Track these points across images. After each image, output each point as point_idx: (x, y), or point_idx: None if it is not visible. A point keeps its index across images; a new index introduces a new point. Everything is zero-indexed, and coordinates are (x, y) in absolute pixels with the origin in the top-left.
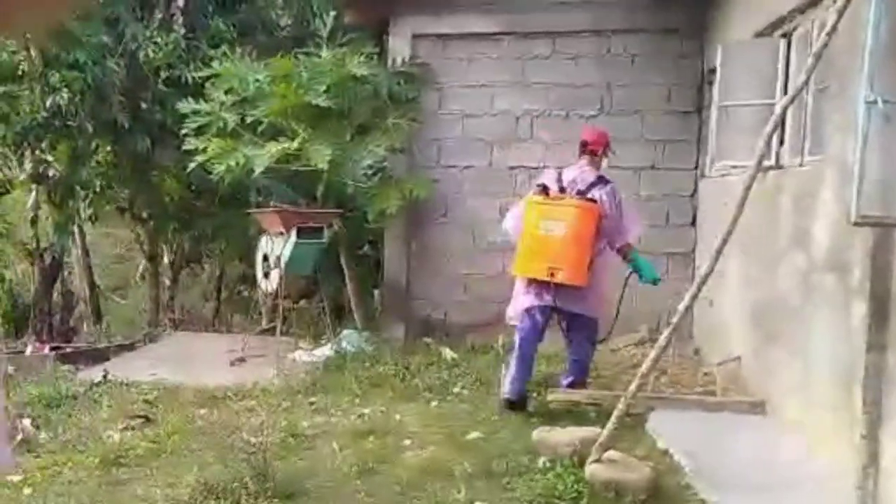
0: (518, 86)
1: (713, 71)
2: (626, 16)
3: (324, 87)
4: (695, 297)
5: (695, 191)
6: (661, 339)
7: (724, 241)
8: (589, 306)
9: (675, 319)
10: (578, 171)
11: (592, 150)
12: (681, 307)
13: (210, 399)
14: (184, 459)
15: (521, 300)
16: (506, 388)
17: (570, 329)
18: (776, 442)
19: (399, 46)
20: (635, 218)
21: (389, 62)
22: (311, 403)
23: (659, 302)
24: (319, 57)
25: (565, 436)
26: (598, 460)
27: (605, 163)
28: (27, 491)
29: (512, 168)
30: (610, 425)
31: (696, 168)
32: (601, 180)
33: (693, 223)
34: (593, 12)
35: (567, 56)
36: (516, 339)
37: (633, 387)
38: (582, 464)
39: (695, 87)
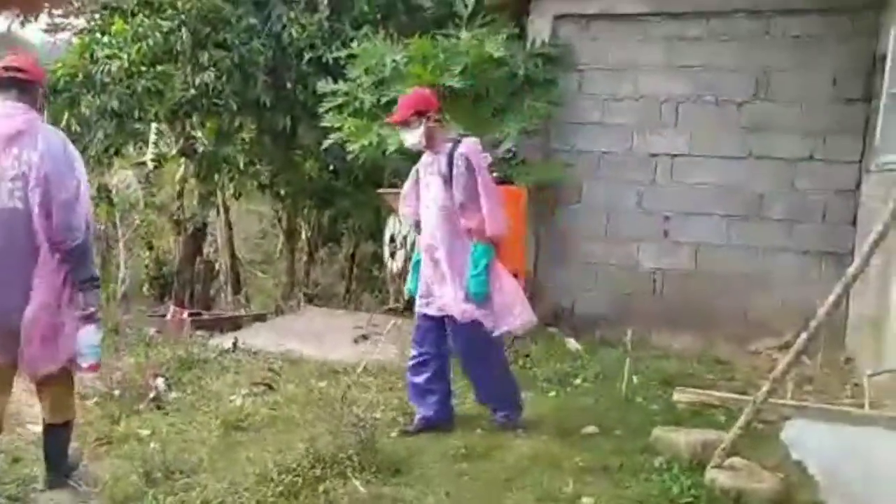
0: (664, 69)
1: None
2: None
3: (460, 69)
4: (839, 300)
5: (858, 186)
6: (799, 343)
7: (876, 243)
8: None
9: (814, 323)
10: None
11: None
12: (822, 311)
13: (330, 372)
14: (297, 428)
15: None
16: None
17: None
18: None
19: (540, 27)
20: None
21: (528, 43)
22: None
23: (808, 305)
24: (458, 38)
25: (687, 437)
26: (719, 466)
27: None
28: (153, 445)
29: (653, 155)
30: (735, 429)
31: (860, 161)
32: None
33: (854, 222)
34: None
35: (720, 38)
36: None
37: (763, 391)
38: (703, 468)
39: (864, 73)
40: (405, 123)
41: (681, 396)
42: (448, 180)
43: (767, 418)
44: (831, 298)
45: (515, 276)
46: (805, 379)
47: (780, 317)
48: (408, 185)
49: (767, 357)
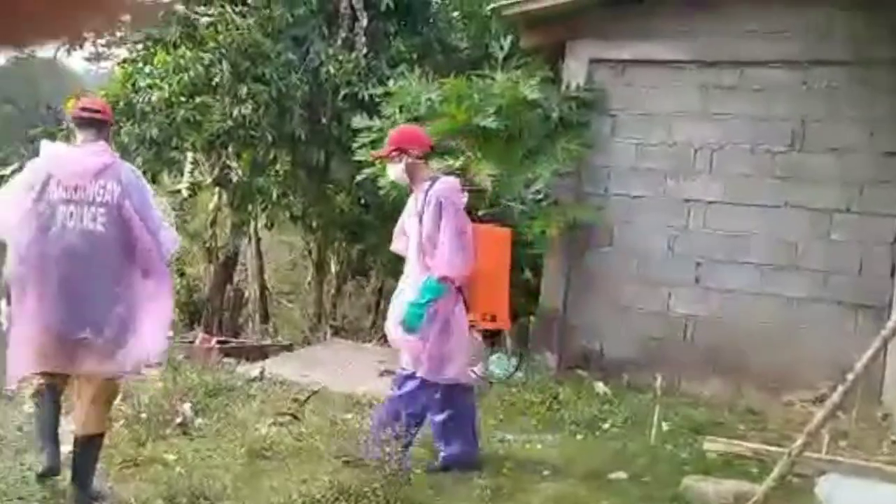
0: (699, 116)
1: None
2: (825, 46)
3: (494, 110)
4: (877, 354)
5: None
6: (835, 396)
7: None
8: None
9: (850, 377)
10: None
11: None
12: (859, 364)
13: (355, 405)
14: (321, 459)
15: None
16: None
17: None
18: None
19: (575, 70)
20: None
21: (563, 86)
22: None
23: (843, 357)
24: (493, 79)
25: (718, 487)
26: None
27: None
28: (178, 469)
29: (686, 201)
30: (769, 481)
31: None
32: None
33: (892, 274)
34: (788, 42)
35: (755, 87)
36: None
37: (798, 443)
38: None
39: None
40: (388, 158)
41: (711, 446)
42: (421, 218)
43: (802, 472)
44: (869, 352)
45: (494, 318)
46: (840, 434)
47: (813, 369)
48: (400, 221)
49: (801, 409)
